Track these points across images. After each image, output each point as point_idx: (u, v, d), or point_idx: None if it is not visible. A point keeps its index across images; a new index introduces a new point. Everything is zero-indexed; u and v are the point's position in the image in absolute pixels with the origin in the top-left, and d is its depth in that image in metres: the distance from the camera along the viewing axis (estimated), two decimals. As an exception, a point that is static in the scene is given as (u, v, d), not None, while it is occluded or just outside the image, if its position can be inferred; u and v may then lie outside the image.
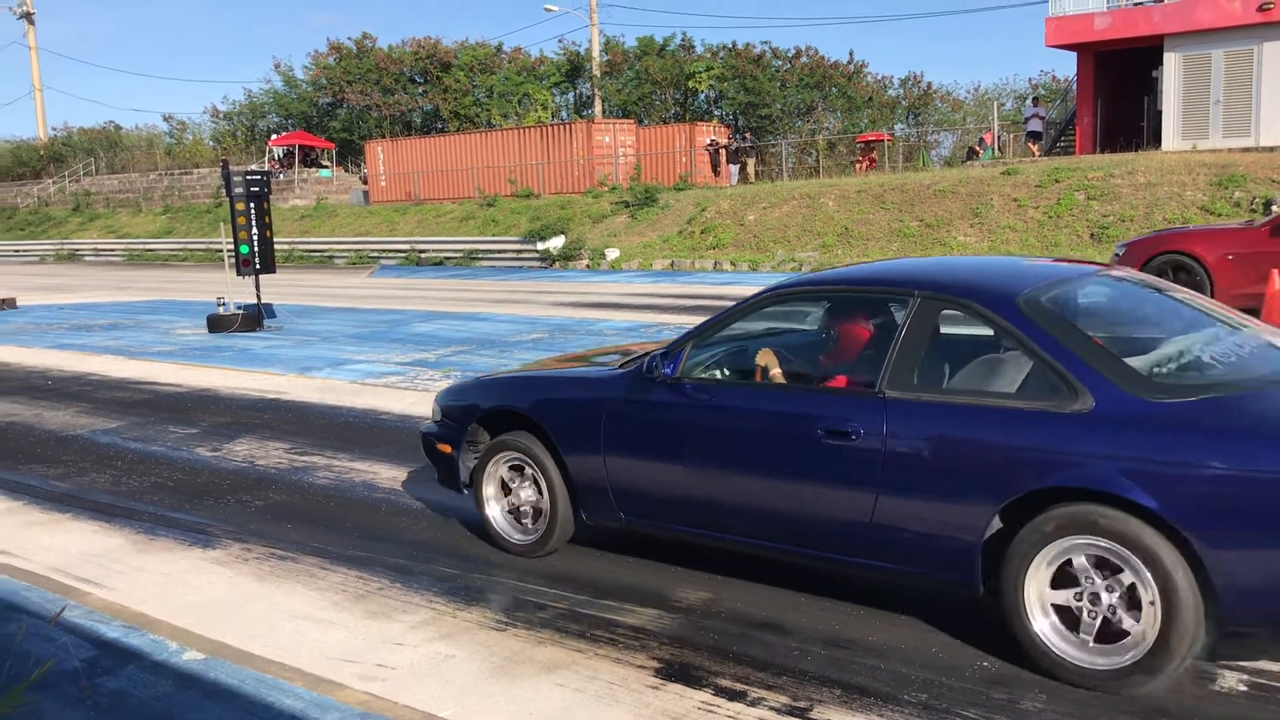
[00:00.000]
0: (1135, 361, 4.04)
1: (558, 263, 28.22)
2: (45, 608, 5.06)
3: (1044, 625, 4.00)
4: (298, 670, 4.29)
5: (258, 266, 15.47)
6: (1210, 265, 12.21)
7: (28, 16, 61.30)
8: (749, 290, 18.95)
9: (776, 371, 4.92)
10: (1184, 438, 3.70)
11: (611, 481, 5.09)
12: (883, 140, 35.61)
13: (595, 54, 43.76)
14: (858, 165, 34.85)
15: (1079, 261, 5.52)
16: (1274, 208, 13.15)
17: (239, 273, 15.67)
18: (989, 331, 4.38)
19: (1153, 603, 3.73)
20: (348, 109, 49.99)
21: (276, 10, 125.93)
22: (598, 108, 44.11)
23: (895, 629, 4.50)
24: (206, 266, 34.16)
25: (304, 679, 4.21)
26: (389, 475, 7.35)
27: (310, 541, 5.99)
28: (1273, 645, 4.08)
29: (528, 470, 5.45)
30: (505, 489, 5.60)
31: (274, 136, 50.12)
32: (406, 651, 4.46)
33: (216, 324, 15.46)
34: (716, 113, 43.43)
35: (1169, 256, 12.53)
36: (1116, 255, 13.27)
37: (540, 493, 5.42)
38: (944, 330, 4.69)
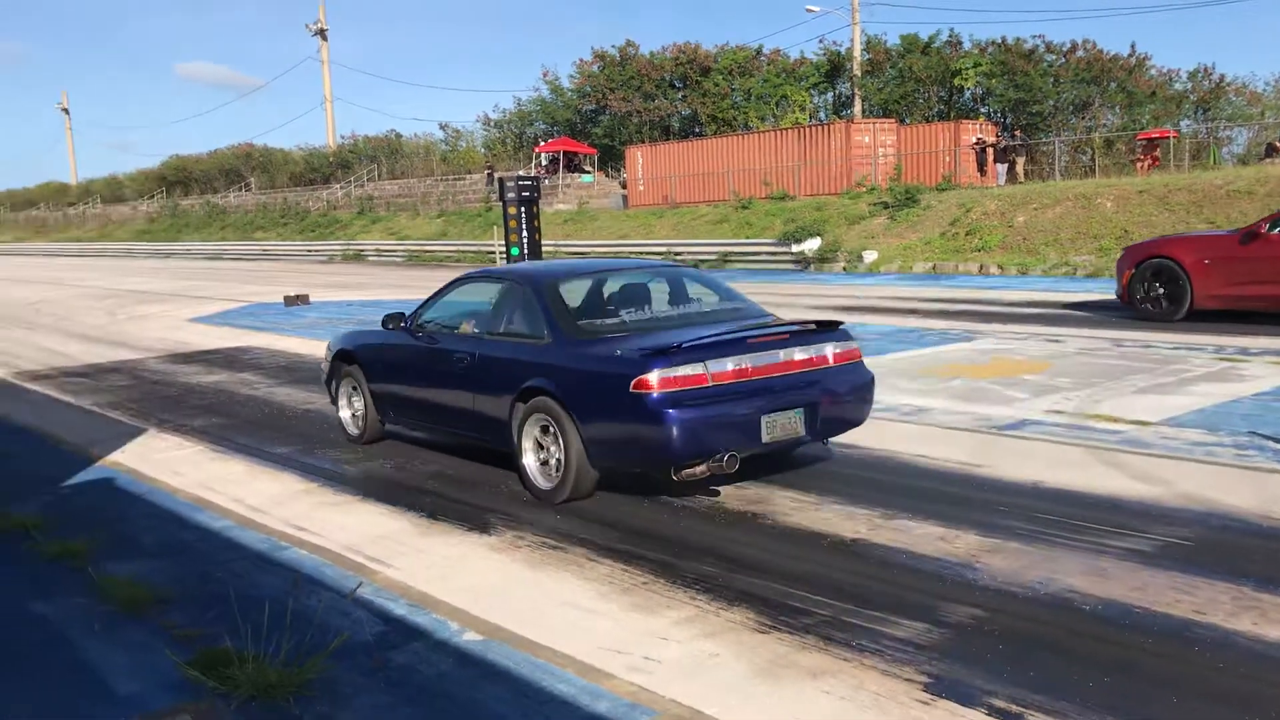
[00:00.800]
0: (582, 319, 6.95)
1: (812, 265, 27.97)
2: (340, 583, 5.44)
3: (530, 462, 6.89)
4: (569, 657, 4.43)
5: (526, 267, 16.14)
6: (1188, 268, 13.42)
7: (321, 33, 66.45)
8: (1017, 295, 18.22)
9: (466, 326, 7.67)
10: (579, 357, 6.57)
11: (388, 396, 8.32)
12: (1167, 137, 33.30)
13: (856, 53, 43.09)
14: (1138, 164, 32.73)
15: (660, 265, 8.53)
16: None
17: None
18: (528, 299, 7.13)
19: (566, 450, 6.54)
20: (610, 115, 51.39)
21: (545, 22, 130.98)
22: (857, 107, 43.42)
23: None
24: (461, 266, 35.95)
25: (575, 666, 4.33)
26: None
27: (578, 533, 6.17)
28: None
29: (355, 390, 8.68)
30: (349, 402, 8.82)
31: (540, 143, 52.18)
32: (672, 646, 4.52)
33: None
34: (983, 110, 41.85)
35: (1156, 261, 13.78)
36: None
37: (362, 404, 8.62)
38: (511, 299, 7.33)
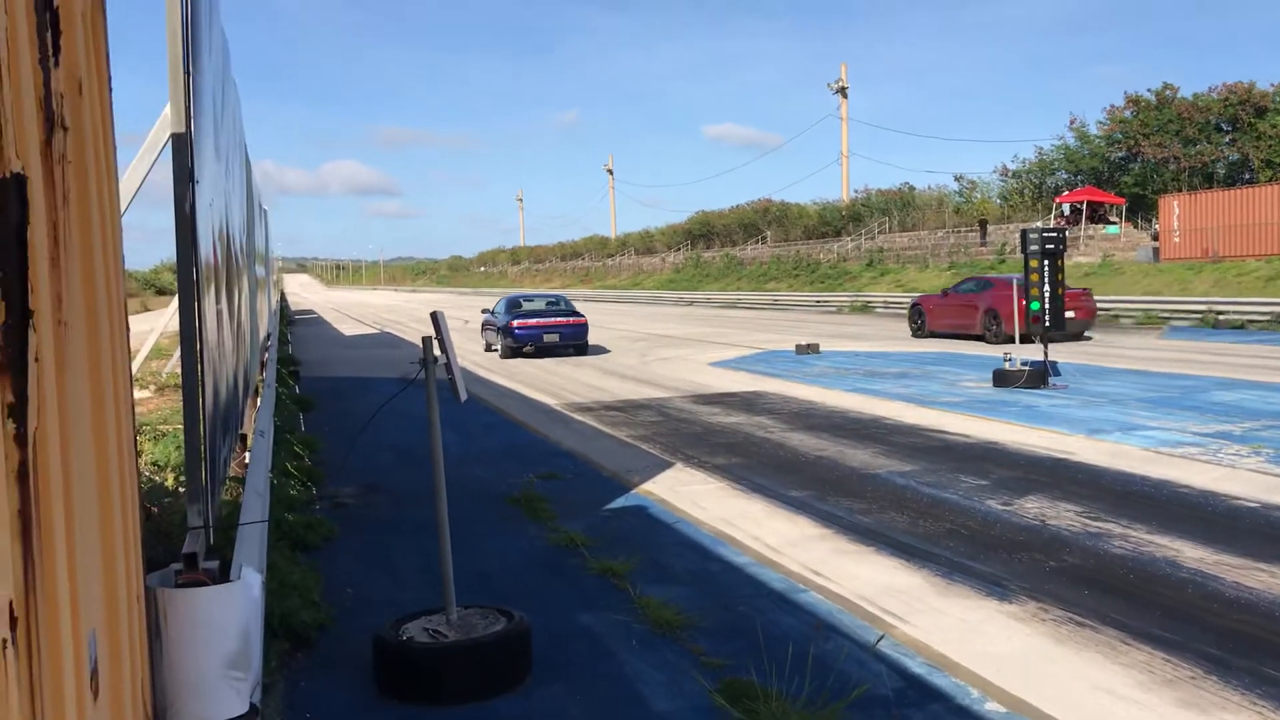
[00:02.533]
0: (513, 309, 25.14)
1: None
2: (856, 632, 5.46)
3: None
4: (1104, 747, 4.09)
5: (1047, 323, 15.39)
6: (926, 310, 27.51)
7: (842, 91, 68.48)
8: None
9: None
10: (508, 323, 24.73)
11: None
12: None
13: None
14: None
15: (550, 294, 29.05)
16: None
17: (1027, 329, 15.71)
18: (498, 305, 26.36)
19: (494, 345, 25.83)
20: (1141, 163, 47.92)
21: (1068, 69, 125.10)
22: None
23: None
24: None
25: (1112, 758, 3.99)
26: (1194, 555, 6.76)
27: (1109, 612, 5.71)
28: None
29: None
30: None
31: (1062, 193, 49.79)
32: (1228, 755, 4.01)
33: (1002, 379, 15.66)
34: None
35: (917, 307, 28.08)
36: None
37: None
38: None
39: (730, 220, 78.93)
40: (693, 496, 8.97)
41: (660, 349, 25.96)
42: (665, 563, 6.89)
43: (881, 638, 5.29)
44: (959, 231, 52.75)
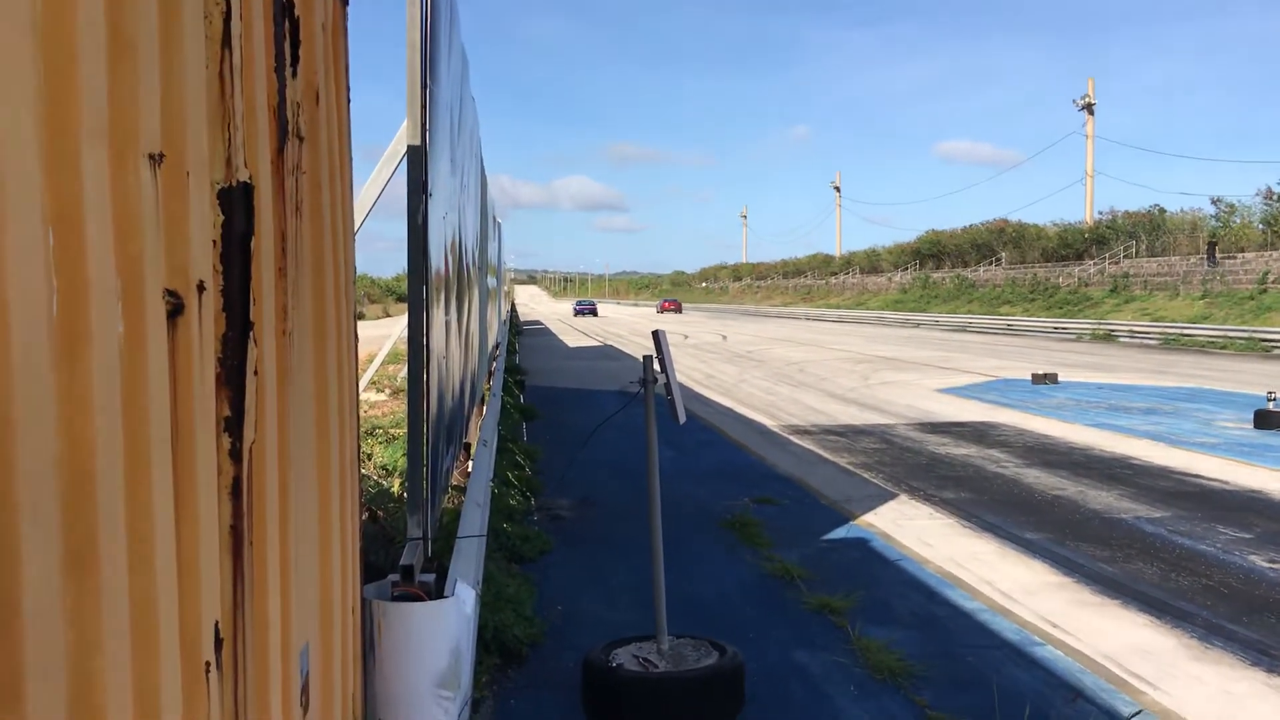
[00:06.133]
0: None
1: None
2: (1100, 696, 4.98)
3: None
4: None
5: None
6: None
7: (1088, 108, 65.19)
8: None
9: None
10: None
11: None
12: None
13: None
14: None
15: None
16: None
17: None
18: None
19: None
20: None
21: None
22: None
23: None
24: (1247, 356, 32.24)
25: None
26: None
27: (1406, 699, 4.99)
28: None
29: None
30: None
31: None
32: None
33: (1265, 420, 14.31)
34: None
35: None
36: None
37: None
38: None
39: (962, 240, 76.27)
40: (918, 532, 8.52)
41: (884, 372, 25.22)
42: (887, 602, 6.53)
43: (1139, 713, 4.78)
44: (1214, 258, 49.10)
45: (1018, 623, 6.13)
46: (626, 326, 57.82)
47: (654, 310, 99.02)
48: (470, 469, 7.31)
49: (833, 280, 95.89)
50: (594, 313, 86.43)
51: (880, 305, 73.81)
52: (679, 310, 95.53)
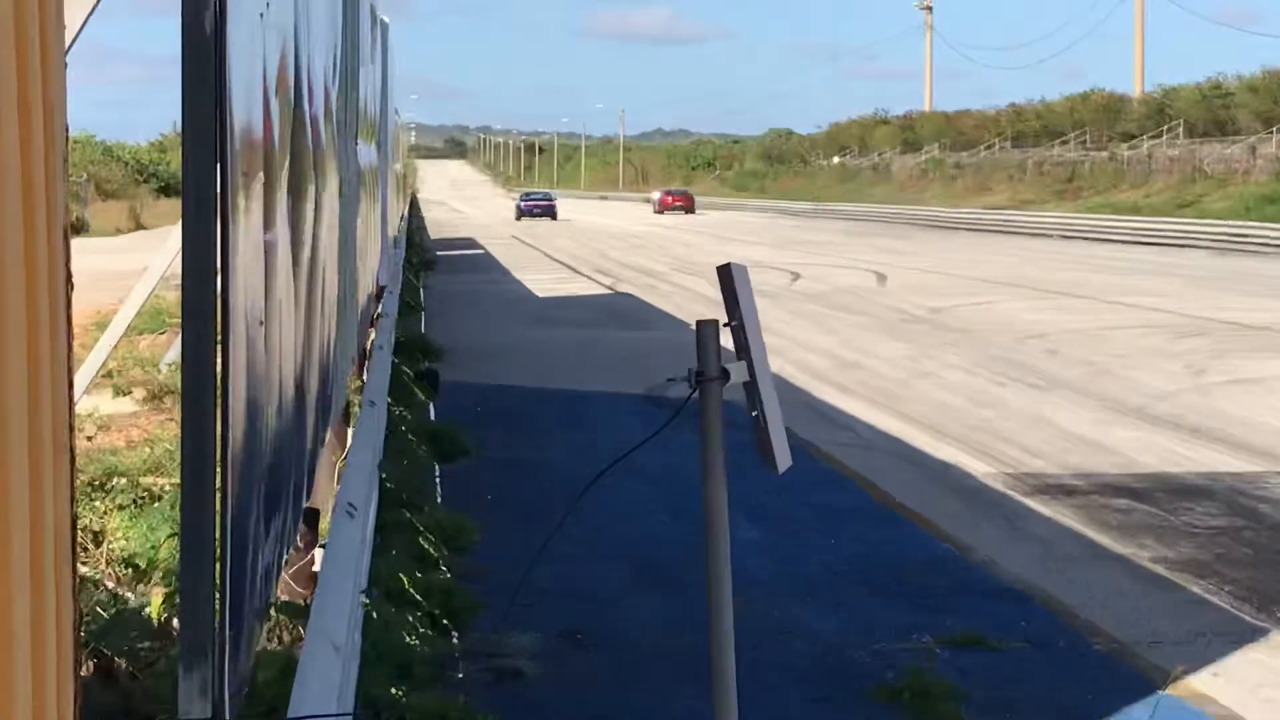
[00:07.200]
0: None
1: None
2: None
3: None
4: None
5: None
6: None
7: None
8: None
9: None
10: None
11: None
12: None
13: None
14: None
15: None
16: None
17: None
18: None
19: None
20: None
21: None
22: None
23: None
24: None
25: None
26: None
27: None
28: None
29: None
30: None
31: None
32: None
33: None
34: None
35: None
36: None
37: None
38: None
39: None
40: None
41: (1236, 357, 14.89)
42: None
43: None
44: None
45: None
46: (664, 255, 34.52)
47: (734, 220, 62.97)
48: (318, 561, 4.43)
49: (1129, 152, 54.56)
50: (551, 213, 61.33)
51: (1232, 209, 41.28)
52: (690, 208, 67.57)
